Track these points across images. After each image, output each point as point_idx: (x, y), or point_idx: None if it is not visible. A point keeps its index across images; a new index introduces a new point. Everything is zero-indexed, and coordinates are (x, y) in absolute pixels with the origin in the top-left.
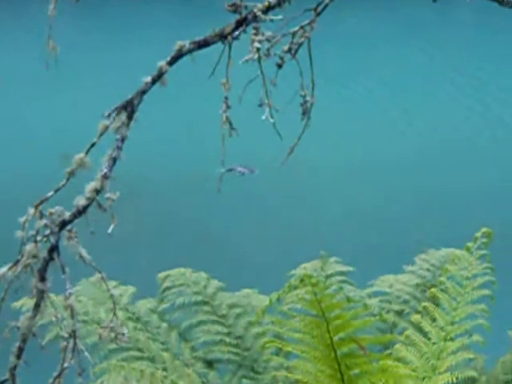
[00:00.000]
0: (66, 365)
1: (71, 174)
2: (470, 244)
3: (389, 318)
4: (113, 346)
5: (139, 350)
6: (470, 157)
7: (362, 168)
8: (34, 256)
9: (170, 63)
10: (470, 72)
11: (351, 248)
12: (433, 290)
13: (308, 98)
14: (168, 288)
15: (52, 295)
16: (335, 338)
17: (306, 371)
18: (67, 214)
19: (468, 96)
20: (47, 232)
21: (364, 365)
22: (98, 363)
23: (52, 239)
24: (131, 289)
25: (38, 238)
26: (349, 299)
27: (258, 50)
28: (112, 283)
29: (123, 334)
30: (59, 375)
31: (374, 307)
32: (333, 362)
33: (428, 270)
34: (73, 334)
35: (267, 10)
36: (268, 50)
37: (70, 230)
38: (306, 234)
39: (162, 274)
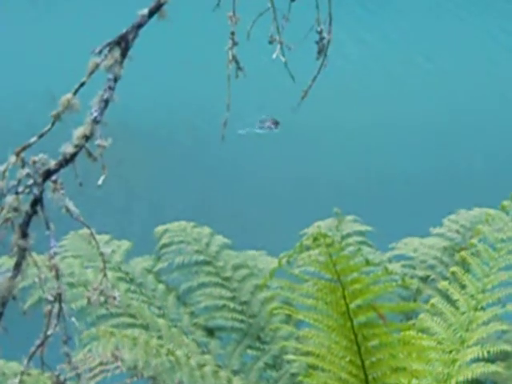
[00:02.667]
0: (50, 332)
1: (57, 117)
2: (505, 202)
3: (413, 283)
4: (102, 311)
5: (131, 316)
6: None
7: (385, 123)
8: (15, 209)
9: None
10: None
11: (371, 207)
12: (462, 253)
13: (325, 35)
14: (166, 245)
15: (34, 254)
16: (352, 306)
17: (319, 342)
18: (52, 163)
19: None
20: (30, 182)
21: (383, 336)
22: (84, 331)
23: (35, 191)
24: (126, 244)
25: (20, 189)
26: (368, 262)
27: None
28: (104, 238)
29: (114, 298)
30: (42, 343)
31: (395, 273)
32: (349, 332)
33: (457, 231)
34: (58, 298)
35: None
36: None
37: (55, 181)
38: (321, 192)
39: (159, 228)
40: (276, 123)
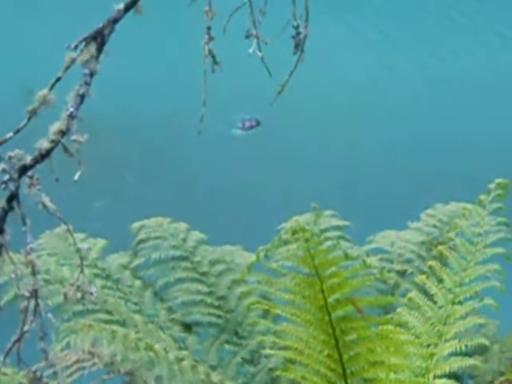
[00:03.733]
0: (26, 328)
1: (33, 112)
2: (482, 197)
3: (391, 277)
4: (78, 307)
5: (108, 312)
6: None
7: (361, 112)
8: None
9: None
10: None
11: (347, 201)
12: (440, 247)
13: (301, 30)
14: (143, 241)
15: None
16: (330, 300)
17: (297, 336)
18: (28, 158)
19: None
20: (6, 178)
21: (361, 330)
22: (61, 327)
23: (11, 186)
24: (101, 242)
25: None
26: (346, 256)
27: None
28: (80, 236)
29: (91, 293)
30: (19, 339)
31: (373, 266)
32: (327, 326)
33: (435, 226)
34: (34, 294)
35: None
36: None
37: (31, 177)
38: (297, 188)
39: (136, 225)
40: (257, 123)
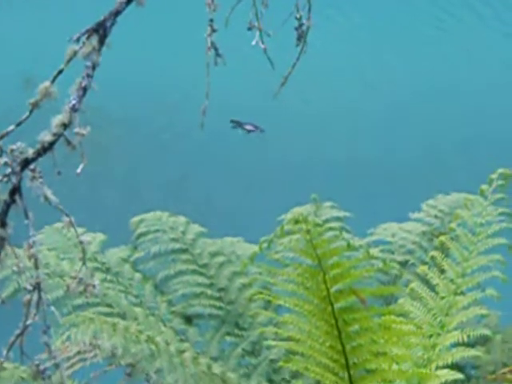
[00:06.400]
0: (29, 321)
1: (35, 105)
2: (484, 187)
3: (393, 267)
4: (78, 301)
5: (108, 305)
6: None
7: (360, 108)
8: None
9: None
10: None
11: (348, 192)
12: (442, 238)
13: (304, 21)
14: (142, 234)
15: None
16: (332, 290)
17: (299, 327)
18: (30, 152)
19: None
20: (8, 171)
21: (364, 320)
22: (60, 321)
23: (13, 179)
24: (100, 236)
25: None
26: (349, 245)
27: None
28: (79, 230)
29: (94, 286)
30: (22, 333)
31: (376, 257)
32: (329, 316)
33: (436, 216)
34: (37, 287)
35: None
36: None
37: (33, 170)
38: (298, 179)
39: (135, 219)
40: (261, 130)
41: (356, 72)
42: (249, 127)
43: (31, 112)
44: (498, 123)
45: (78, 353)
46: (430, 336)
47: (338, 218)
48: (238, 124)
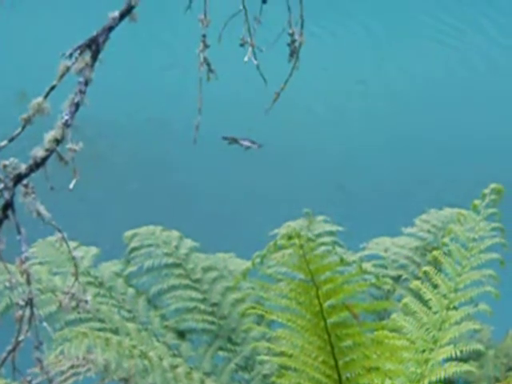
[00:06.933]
0: (21, 337)
1: (27, 121)
2: (477, 202)
3: (386, 282)
4: (70, 316)
5: (100, 320)
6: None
7: (352, 117)
8: None
9: None
10: None
11: (340, 207)
12: (434, 253)
13: (296, 37)
14: (135, 249)
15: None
16: (325, 305)
17: (292, 342)
18: (23, 167)
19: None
20: (0, 187)
21: (357, 336)
22: (53, 337)
23: (6, 195)
24: (93, 250)
25: None
26: (342, 260)
27: None
28: (72, 244)
29: (86, 302)
30: (14, 349)
31: (369, 272)
32: (322, 331)
33: (429, 231)
34: (29, 302)
35: None
36: None
37: (26, 185)
38: (289, 194)
39: (128, 233)
40: (258, 146)
41: (356, 84)
42: (246, 143)
43: (24, 128)
44: (496, 133)
45: (72, 367)
46: (423, 351)
47: (330, 233)
48: (234, 140)
